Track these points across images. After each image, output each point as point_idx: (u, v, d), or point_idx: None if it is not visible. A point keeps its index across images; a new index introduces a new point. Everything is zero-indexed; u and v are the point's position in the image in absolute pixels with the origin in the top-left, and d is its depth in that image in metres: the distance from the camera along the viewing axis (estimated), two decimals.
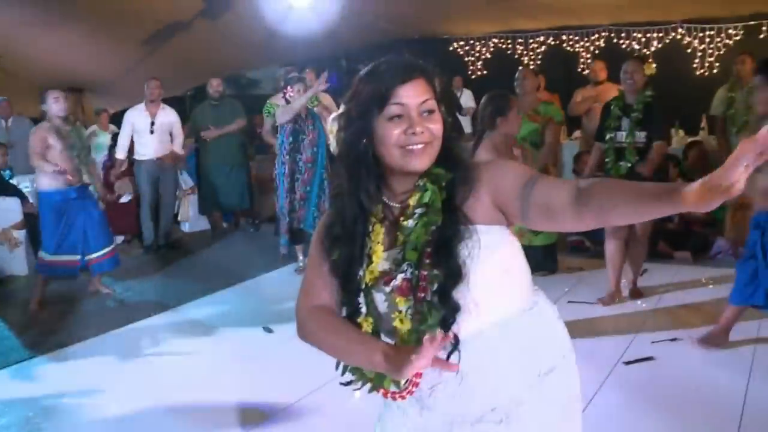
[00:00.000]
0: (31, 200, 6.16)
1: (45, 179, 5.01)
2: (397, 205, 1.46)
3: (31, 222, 5.98)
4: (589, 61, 9.28)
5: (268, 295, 5.35)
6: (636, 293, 4.73)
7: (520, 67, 5.69)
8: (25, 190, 6.24)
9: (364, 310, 1.45)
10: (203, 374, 3.88)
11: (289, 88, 5.71)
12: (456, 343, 1.37)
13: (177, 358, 4.17)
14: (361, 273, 1.44)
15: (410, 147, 1.37)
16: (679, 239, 5.76)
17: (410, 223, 1.40)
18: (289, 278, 5.61)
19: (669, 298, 4.72)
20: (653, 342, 3.94)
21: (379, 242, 1.44)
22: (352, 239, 1.45)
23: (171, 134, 6.91)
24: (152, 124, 6.71)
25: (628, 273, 4.75)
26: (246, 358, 4.11)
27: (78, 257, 5.15)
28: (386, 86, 1.37)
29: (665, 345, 3.90)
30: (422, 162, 1.38)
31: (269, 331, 4.51)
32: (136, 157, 6.85)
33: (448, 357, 1.38)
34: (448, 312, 1.36)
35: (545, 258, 5.29)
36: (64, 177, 4.93)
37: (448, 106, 1.51)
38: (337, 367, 1.52)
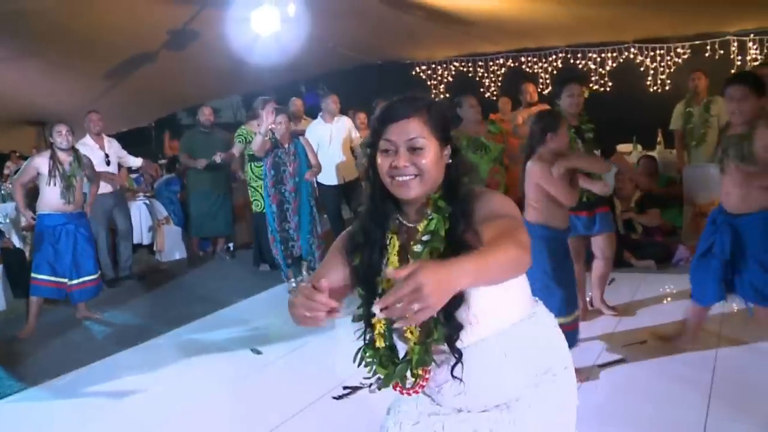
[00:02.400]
0: (6, 236, 6.16)
1: (42, 202, 5.26)
2: (410, 224, 1.63)
3: (7, 257, 5.98)
4: (548, 80, 9.64)
5: (253, 318, 5.42)
6: (604, 305, 4.81)
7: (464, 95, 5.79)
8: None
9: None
10: (195, 397, 3.95)
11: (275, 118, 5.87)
12: (459, 357, 1.55)
13: (167, 382, 4.22)
14: (378, 279, 1.61)
15: (397, 178, 1.55)
16: (642, 249, 6.02)
17: (418, 248, 1.57)
18: (275, 301, 5.70)
19: (636, 305, 4.95)
20: (624, 345, 4.15)
21: (395, 254, 1.62)
22: (371, 248, 1.63)
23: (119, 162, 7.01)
24: (106, 156, 6.71)
25: (596, 289, 4.81)
26: (236, 379, 4.19)
27: (66, 280, 5.28)
28: (381, 124, 1.58)
29: (635, 348, 4.11)
30: (408, 192, 1.56)
31: (258, 352, 4.59)
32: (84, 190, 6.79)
33: (453, 370, 1.57)
34: (451, 330, 1.53)
35: None
36: (59, 202, 5.18)
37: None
38: (354, 360, 1.67)
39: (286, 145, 5.94)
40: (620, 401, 3.50)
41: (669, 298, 5.14)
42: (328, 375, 3.89)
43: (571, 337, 3.64)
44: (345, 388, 3.67)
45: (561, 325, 3.45)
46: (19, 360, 4.81)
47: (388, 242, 1.64)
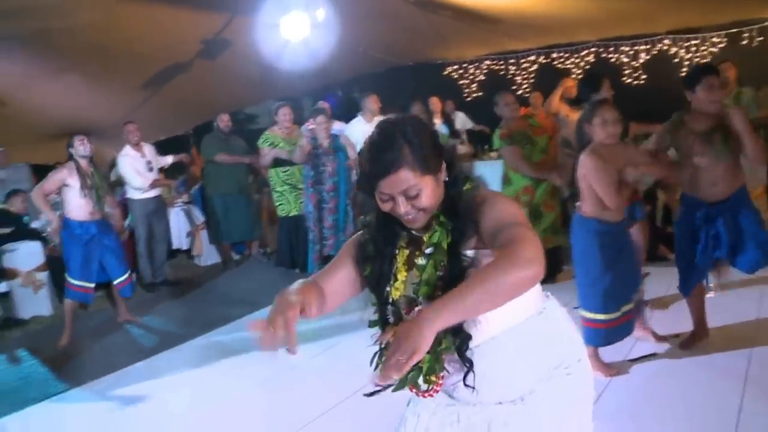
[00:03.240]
0: (51, 243, 6.37)
1: (70, 210, 5.38)
2: (419, 234, 1.66)
3: (53, 264, 6.18)
4: (580, 76, 9.55)
5: None
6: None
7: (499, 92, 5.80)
8: (44, 232, 6.44)
9: (391, 319, 1.67)
10: (229, 397, 4.05)
11: (310, 120, 5.95)
12: (470, 367, 1.59)
13: (203, 383, 4.34)
14: (388, 289, 1.67)
15: (403, 218, 1.60)
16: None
17: (422, 260, 1.62)
18: None
19: (670, 299, 4.87)
20: (656, 339, 4.11)
21: (404, 263, 1.67)
22: (382, 259, 1.69)
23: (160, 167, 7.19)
24: (149, 162, 6.89)
25: None
26: (269, 379, 4.26)
27: (92, 285, 5.44)
28: (372, 179, 1.59)
29: (668, 342, 4.08)
30: (416, 224, 1.62)
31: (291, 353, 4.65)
32: (131, 196, 6.95)
33: (465, 378, 1.61)
34: (460, 341, 1.57)
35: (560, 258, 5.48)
36: (85, 210, 5.31)
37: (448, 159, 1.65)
38: (371, 364, 1.69)
39: (326, 144, 6.01)
40: (650, 396, 3.47)
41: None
42: (359, 373, 3.92)
43: (616, 333, 3.66)
44: (377, 385, 3.71)
45: (605, 321, 3.58)
46: (63, 362, 4.99)
47: (396, 252, 1.69)
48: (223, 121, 7.64)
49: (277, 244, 7.40)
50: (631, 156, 3.62)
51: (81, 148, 5.36)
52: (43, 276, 6.26)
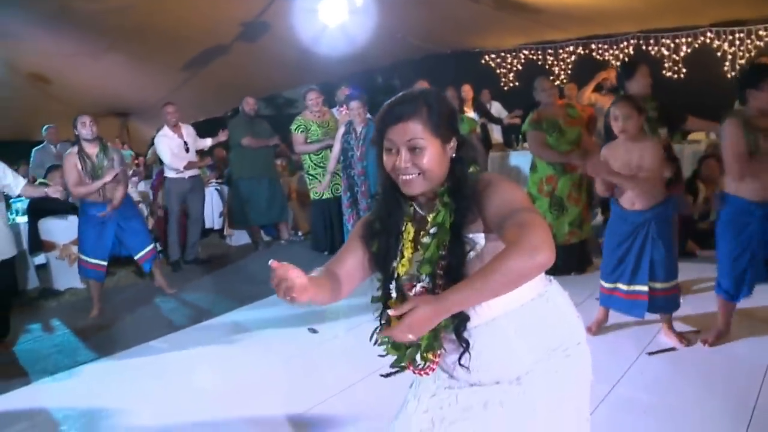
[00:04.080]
0: None
1: None
2: (424, 213, 1.70)
3: None
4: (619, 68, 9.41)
5: None
6: None
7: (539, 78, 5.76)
8: None
9: (394, 295, 1.71)
10: (251, 372, 4.13)
11: (344, 106, 6.00)
12: (466, 347, 1.63)
13: (227, 357, 4.43)
14: (395, 264, 1.71)
15: (401, 176, 1.62)
16: (708, 239, 5.84)
17: (426, 239, 1.64)
18: None
19: (695, 294, 4.84)
20: (676, 333, 4.04)
21: (409, 241, 1.71)
22: (388, 236, 1.73)
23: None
24: (185, 143, 6.96)
25: None
26: (291, 356, 4.34)
27: (105, 263, 5.54)
28: (382, 126, 1.64)
29: (688, 336, 4.03)
30: (412, 189, 1.64)
31: (314, 331, 4.74)
32: (168, 174, 7.03)
33: (460, 358, 1.65)
34: (458, 321, 1.61)
35: (573, 256, 5.45)
36: (99, 192, 5.34)
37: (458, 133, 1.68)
38: (371, 339, 1.76)
39: (359, 129, 6.09)
40: (665, 390, 3.44)
41: None
42: (379, 354, 3.97)
43: (607, 300, 4.07)
44: (393, 366, 3.76)
45: (603, 287, 4.03)
46: (93, 332, 5.15)
47: (403, 229, 1.73)
48: (249, 104, 7.64)
49: (310, 227, 7.47)
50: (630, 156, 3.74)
51: (83, 130, 5.31)
52: None
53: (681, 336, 3.98)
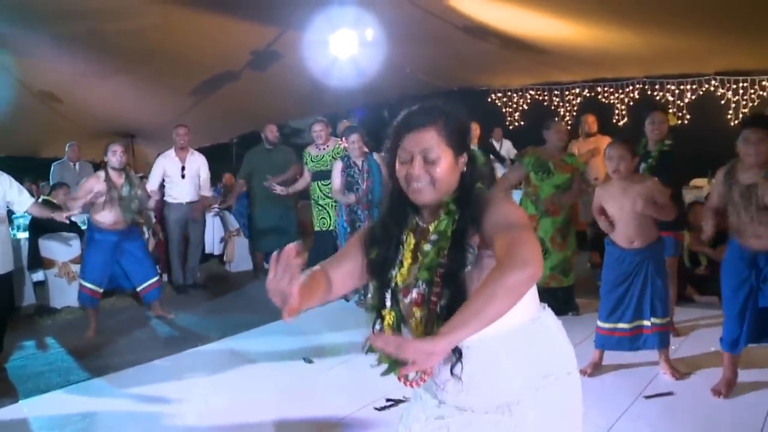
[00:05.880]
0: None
1: (94, 214, 5.48)
2: (424, 225, 1.71)
3: None
4: (624, 111, 9.52)
5: (309, 329, 5.52)
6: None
7: (555, 119, 5.90)
8: (82, 227, 6.61)
9: (388, 304, 1.71)
10: (244, 400, 4.09)
11: (343, 138, 5.98)
12: (459, 356, 1.62)
13: (220, 384, 4.40)
14: (392, 273, 1.71)
15: (413, 185, 1.64)
16: (706, 284, 5.84)
17: (427, 246, 1.66)
18: (331, 315, 5.77)
19: (692, 339, 4.82)
20: (678, 376, 4.05)
21: (409, 251, 1.71)
22: (388, 244, 1.73)
23: (199, 177, 7.09)
24: (183, 169, 6.94)
25: None
26: (285, 386, 4.31)
27: (101, 290, 5.57)
28: (398, 132, 1.68)
29: (685, 381, 4.03)
30: (422, 198, 1.66)
31: (309, 362, 4.71)
32: (167, 199, 7.01)
33: (452, 368, 1.63)
34: None
35: (555, 300, 5.41)
36: (109, 220, 5.40)
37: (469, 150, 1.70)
38: (363, 348, 1.71)
39: (360, 163, 6.02)
40: None
41: None
42: (373, 387, 3.95)
43: (607, 340, 4.14)
44: (388, 400, 3.74)
45: (600, 328, 4.10)
46: (88, 352, 5.12)
47: (404, 239, 1.73)
48: (272, 132, 7.64)
49: (308, 257, 7.40)
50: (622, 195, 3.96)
51: (113, 159, 5.41)
52: (77, 268, 6.40)
53: (676, 369, 4.09)
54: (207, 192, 7.33)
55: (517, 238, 1.47)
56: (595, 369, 4.19)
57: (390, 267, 1.72)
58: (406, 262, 1.69)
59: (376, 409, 3.70)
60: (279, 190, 7.00)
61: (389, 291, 1.71)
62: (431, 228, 1.67)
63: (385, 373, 1.68)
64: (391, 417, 3.58)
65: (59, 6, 6.79)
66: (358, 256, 1.77)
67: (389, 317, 1.71)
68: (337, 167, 6.13)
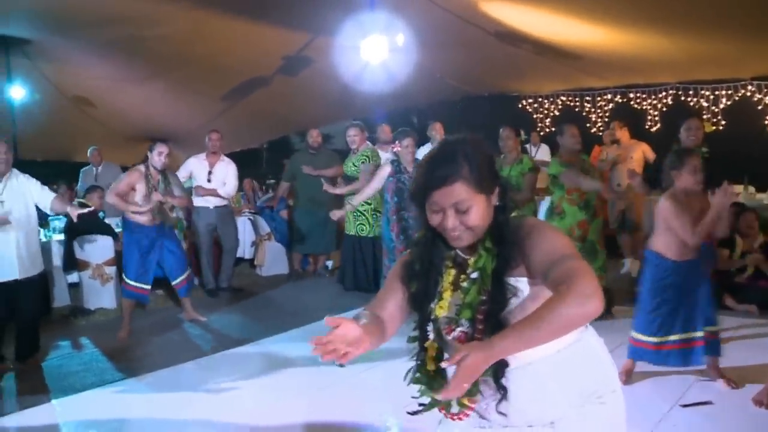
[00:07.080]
0: (121, 239, 6.61)
1: (130, 214, 5.54)
2: (465, 256, 1.69)
3: (121, 259, 6.42)
4: (656, 117, 9.40)
5: None
6: None
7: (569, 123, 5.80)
8: (116, 230, 6.69)
9: (431, 336, 1.70)
10: (273, 403, 4.12)
11: (397, 142, 5.90)
12: (504, 394, 1.60)
13: (250, 387, 4.42)
14: (432, 306, 1.70)
15: (449, 233, 1.62)
16: (745, 292, 5.74)
17: (467, 284, 1.63)
18: None
19: (731, 348, 4.72)
20: (734, 386, 3.98)
21: (449, 282, 1.69)
22: (427, 277, 1.71)
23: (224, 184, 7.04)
24: (210, 173, 6.99)
25: None
26: (315, 389, 4.32)
27: (148, 286, 5.64)
28: (424, 189, 1.62)
29: (724, 391, 3.95)
30: (460, 244, 1.64)
31: (341, 365, 4.68)
32: (195, 203, 6.99)
33: (498, 406, 1.63)
34: (498, 367, 1.57)
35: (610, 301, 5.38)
36: (144, 216, 5.48)
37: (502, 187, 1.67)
38: (404, 378, 1.76)
39: (411, 170, 5.77)
40: None
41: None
42: (406, 390, 3.93)
43: (654, 356, 3.98)
44: (420, 404, 3.72)
45: (642, 342, 3.91)
46: (121, 353, 5.19)
47: (443, 271, 1.72)
48: (313, 136, 7.69)
49: (341, 262, 7.40)
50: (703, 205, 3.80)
51: (157, 159, 5.50)
52: (111, 270, 6.51)
53: (730, 378, 4.03)
54: (223, 193, 7.06)
55: (575, 269, 1.44)
56: (628, 377, 4.13)
57: (430, 299, 1.70)
58: (446, 294, 1.68)
59: (408, 413, 3.68)
60: (338, 191, 7.03)
61: (431, 324, 1.70)
62: (470, 263, 1.65)
63: (427, 408, 1.67)
64: (425, 420, 3.56)
65: (94, 13, 6.91)
66: (399, 291, 1.75)
67: (432, 349, 1.70)
68: (383, 172, 5.92)
